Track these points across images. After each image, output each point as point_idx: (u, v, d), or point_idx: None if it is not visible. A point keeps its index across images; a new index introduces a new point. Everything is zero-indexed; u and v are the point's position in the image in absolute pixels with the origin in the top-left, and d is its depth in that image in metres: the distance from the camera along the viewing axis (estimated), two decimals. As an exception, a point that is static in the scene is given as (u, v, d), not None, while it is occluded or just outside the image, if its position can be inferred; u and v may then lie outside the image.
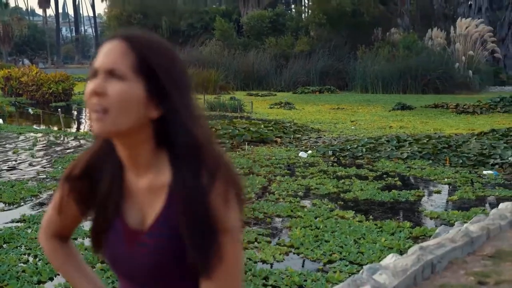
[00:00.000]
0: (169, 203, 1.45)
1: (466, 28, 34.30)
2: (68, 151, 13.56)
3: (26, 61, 58.01)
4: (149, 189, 1.49)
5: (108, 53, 1.44)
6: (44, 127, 19.15)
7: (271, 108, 25.15)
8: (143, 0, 52.20)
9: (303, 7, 56.15)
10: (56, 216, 1.72)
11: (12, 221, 7.49)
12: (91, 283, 1.77)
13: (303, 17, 48.66)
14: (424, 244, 4.90)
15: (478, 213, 7.51)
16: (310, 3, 46.30)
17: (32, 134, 16.60)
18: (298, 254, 6.25)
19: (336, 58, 38.73)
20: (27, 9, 78.52)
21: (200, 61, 37.32)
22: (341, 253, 6.17)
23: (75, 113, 25.77)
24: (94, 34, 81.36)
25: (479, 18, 37.24)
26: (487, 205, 8.39)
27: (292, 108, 24.87)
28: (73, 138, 15.97)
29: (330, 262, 5.97)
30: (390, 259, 4.66)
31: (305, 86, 36.06)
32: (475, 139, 13.27)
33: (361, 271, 4.47)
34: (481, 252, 5.07)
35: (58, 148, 14.03)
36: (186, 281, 1.48)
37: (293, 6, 59.40)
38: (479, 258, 4.95)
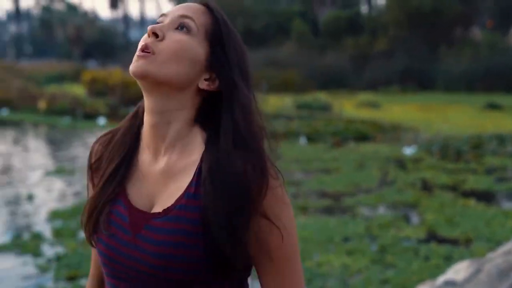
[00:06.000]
0: (195, 186, 1.29)
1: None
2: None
3: (93, 63, 59.61)
4: (167, 171, 1.34)
5: (184, 7, 1.37)
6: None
7: (358, 107, 25.77)
8: (216, 2, 52.97)
9: (378, 7, 56.27)
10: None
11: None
12: None
13: (379, 16, 48.83)
14: None
15: None
16: (388, 3, 46.40)
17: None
18: (435, 234, 7.03)
19: (416, 57, 38.91)
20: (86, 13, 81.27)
21: (278, 62, 38.09)
22: (475, 233, 6.91)
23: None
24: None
25: None
26: None
27: (379, 107, 25.46)
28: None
29: (467, 240, 6.72)
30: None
31: (385, 86, 36.43)
32: None
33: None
34: None
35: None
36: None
37: (363, 7, 59.41)
38: None
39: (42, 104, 22.75)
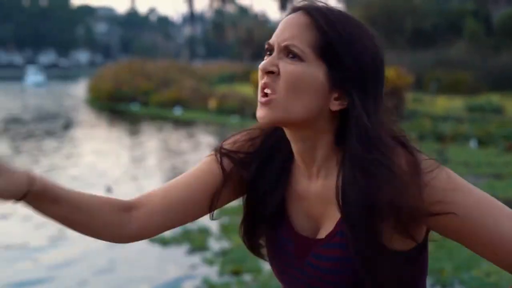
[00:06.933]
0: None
1: None
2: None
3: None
4: (324, 194, 1.28)
5: (287, 27, 1.25)
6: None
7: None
8: (386, 1, 52.06)
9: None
10: (168, 195, 1.43)
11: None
12: None
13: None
14: None
15: None
16: None
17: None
18: None
19: None
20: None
21: (448, 62, 36.87)
22: None
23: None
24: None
25: None
26: None
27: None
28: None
29: None
30: None
31: None
32: None
33: None
34: None
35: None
36: None
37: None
38: None
39: (212, 104, 23.61)
